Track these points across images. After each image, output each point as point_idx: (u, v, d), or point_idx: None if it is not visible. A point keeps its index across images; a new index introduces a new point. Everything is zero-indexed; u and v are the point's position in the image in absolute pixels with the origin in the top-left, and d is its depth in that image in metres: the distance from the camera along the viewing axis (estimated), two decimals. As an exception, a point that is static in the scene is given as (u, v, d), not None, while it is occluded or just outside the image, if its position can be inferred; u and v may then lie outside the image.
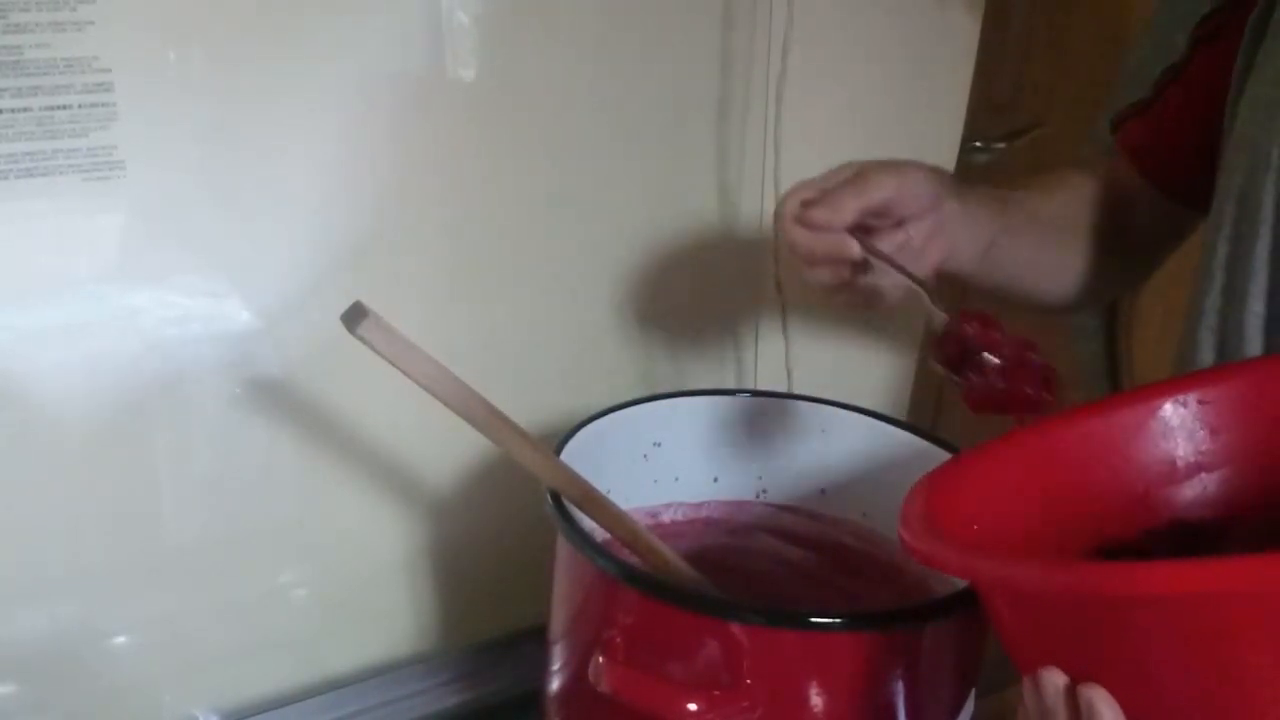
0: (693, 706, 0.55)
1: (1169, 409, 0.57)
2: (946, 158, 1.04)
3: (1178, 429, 0.57)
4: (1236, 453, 0.56)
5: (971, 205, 0.69)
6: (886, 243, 0.63)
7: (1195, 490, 0.57)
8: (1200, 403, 0.57)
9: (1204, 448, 0.57)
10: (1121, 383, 1.38)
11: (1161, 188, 0.75)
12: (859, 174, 0.64)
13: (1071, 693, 0.43)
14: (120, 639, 0.76)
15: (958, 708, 0.63)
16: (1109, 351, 1.39)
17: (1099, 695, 0.42)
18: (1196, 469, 0.57)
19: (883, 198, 0.63)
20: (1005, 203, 0.72)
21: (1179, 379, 0.58)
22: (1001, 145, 1.25)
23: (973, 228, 0.69)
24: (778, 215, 0.65)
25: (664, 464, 0.77)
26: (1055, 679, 0.44)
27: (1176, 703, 0.42)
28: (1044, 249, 0.76)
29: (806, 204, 0.63)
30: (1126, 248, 0.77)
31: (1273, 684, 0.39)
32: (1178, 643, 0.40)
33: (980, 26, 1.01)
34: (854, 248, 0.62)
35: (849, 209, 0.62)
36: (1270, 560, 0.36)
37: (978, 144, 1.21)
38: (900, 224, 0.64)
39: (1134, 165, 0.75)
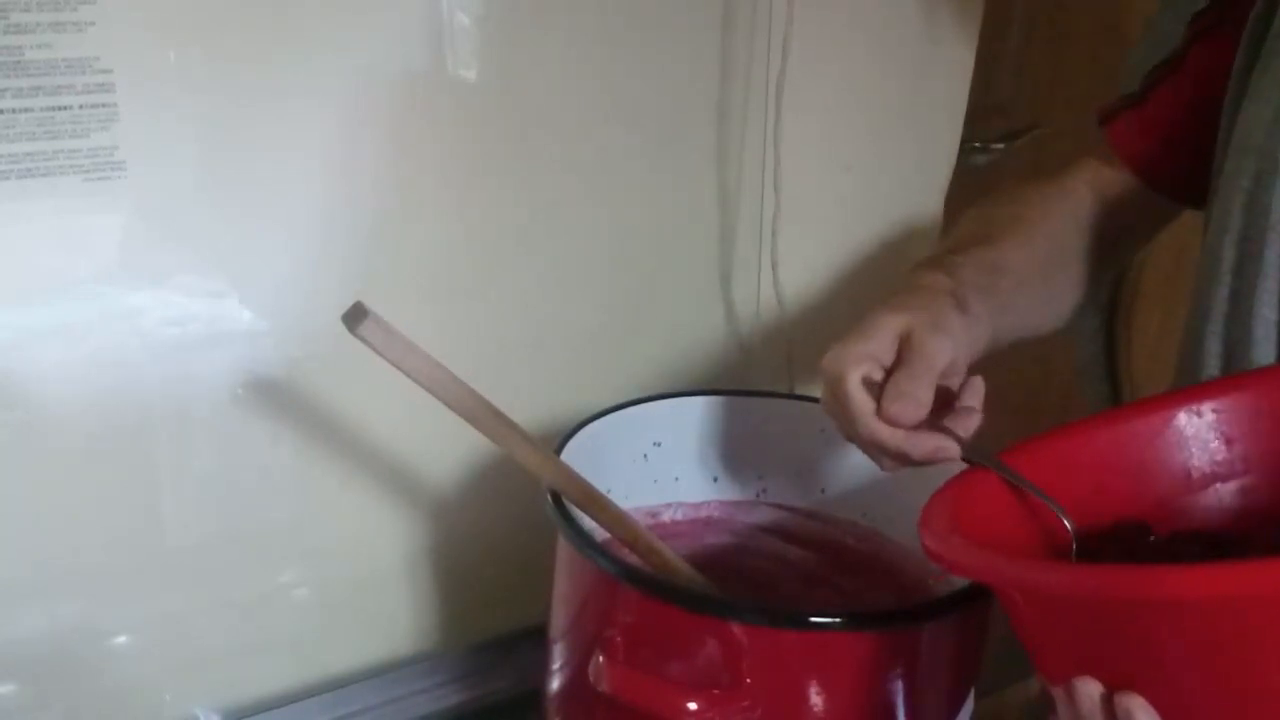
0: (693, 706, 0.55)
1: (1183, 419, 0.57)
2: (946, 158, 1.04)
3: (1192, 439, 0.56)
4: (1252, 462, 0.56)
5: (973, 309, 0.64)
6: (952, 422, 0.59)
7: (1211, 500, 0.56)
8: (1215, 412, 0.56)
9: (1219, 457, 0.56)
10: (1121, 384, 1.38)
11: (1151, 183, 0.74)
12: (915, 348, 0.59)
13: (1109, 701, 0.42)
14: (121, 638, 0.76)
15: (957, 707, 0.63)
16: (1109, 352, 1.39)
17: (1137, 704, 0.41)
18: (1212, 479, 0.56)
19: (944, 364, 0.59)
20: (995, 273, 0.69)
21: (1193, 388, 0.58)
22: (1001, 145, 1.25)
23: (976, 337, 0.64)
24: (839, 395, 0.59)
25: (664, 464, 0.77)
26: (1090, 688, 0.43)
27: (1214, 709, 0.41)
28: (1034, 305, 0.74)
29: (869, 384, 0.59)
30: (1113, 251, 0.77)
31: None
32: (1213, 648, 0.40)
33: (980, 26, 1.01)
34: (955, 452, 0.58)
35: (927, 397, 0.58)
36: None
37: (977, 144, 1.21)
38: (951, 397, 0.61)
39: (1124, 161, 0.74)
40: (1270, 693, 0.40)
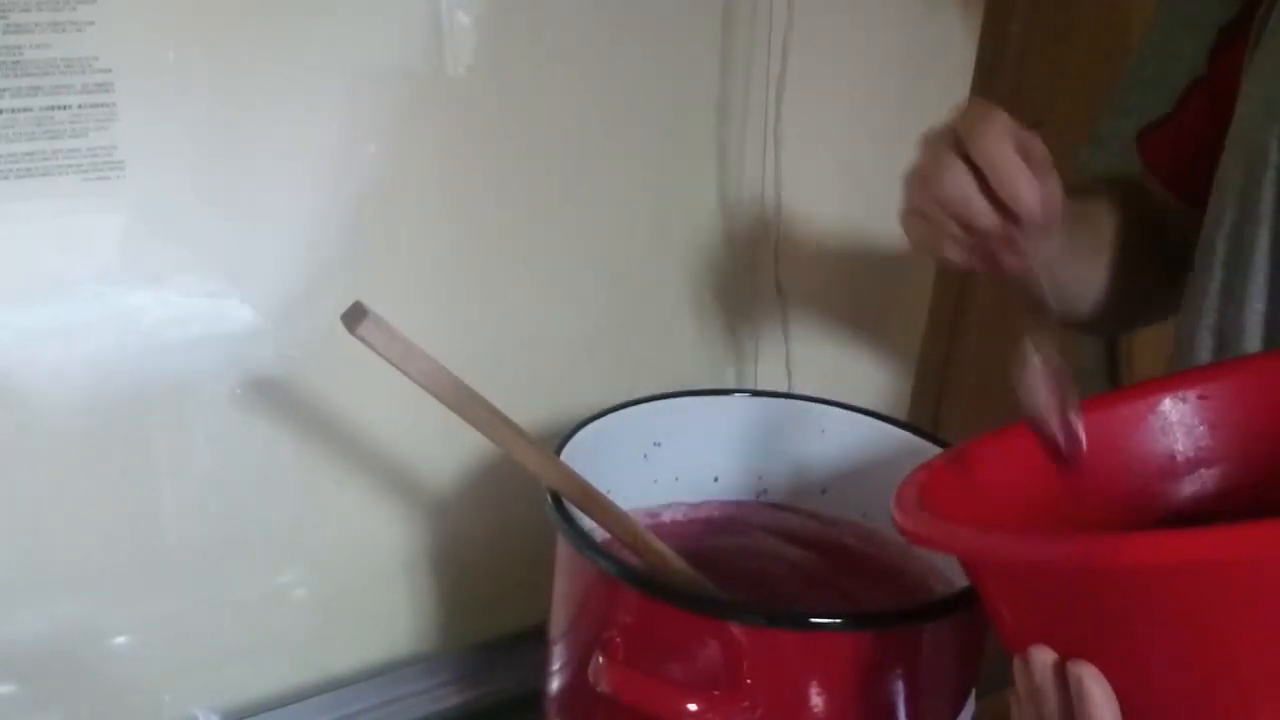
0: (693, 707, 0.55)
1: (1168, 404, 0.57)
2: (946, 158, 1.04)
3: (1177, 424, 0.57)
4: (1236, 448, 0.56)
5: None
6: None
7: (1194, 486, 0.57)
8: (1200, 398, 0.57)
9: (1203, 443, 0.57)
10: (1121, 382, 1.38)
11: (1186, 199, 0.74)
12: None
13: (1060, 670, 0.43)
14: (120, 639, 0.76)
15: (958, 708, 0.63)
16: (1109, 351, 1.39)
17: (1088, 672, 0.42)
18: (1196, 464, 0.57)
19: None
20: (1083, 220, 0.68)
21: (1179, 375, 0.58)
22: (1001, 145, 1.25)
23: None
24: (990, 127, 0.54)
25: (664, 464, 0.77)
26: (1044, 656, 0.44)
27: (1164, 678, 0.41)
28: (1082, 273, 0.72)
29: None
30: (1152, 269, 0.76)
31: (1256, 657, 0.39)
32: (1161, 616, 0.40)
33: (980, 26, 1.01)
34: (1057, 209, 0.56)
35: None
36: (1250, 529, 0.36)
37: (978, 144, 1.21)
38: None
39: (1157, 178, 0.74)
40: (1222, 660, 0.40)
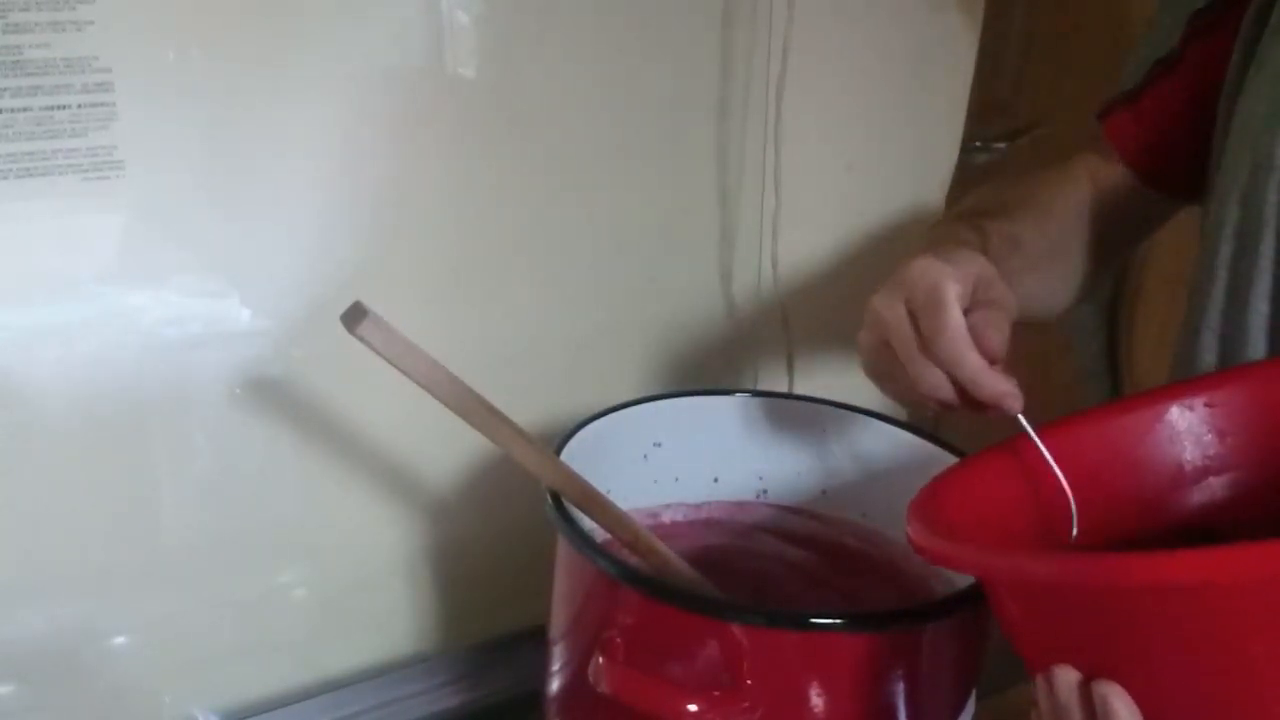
0: (693, 707, 0.55)
1: (1176, 412, 0.57)
2: (946, 158, 1.04)
3: (1185, 433, 0.57)
4: (1244, 456, 0.56)
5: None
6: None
7: (1203, 495, 0.56)
8: (1207, 406, 0.56)
9: (1211, 451, 0.56)
10: (1122, 383, 1.38)
11: (1146, 179, 0.74)
12: (997, 294, 0.57)
13: (1085, 689, 0.43)
14: (120, 639, 0.76)
15: (958, 708, 0.63)
16: (1109, 351, 1.39)
17: (1113, 691, 0.42)
18: (1204, 473, 0.57)
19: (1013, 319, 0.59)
20: (1011, 248, 0.68)
21: (1186, 382, 0.58)
22: (1001, 145, 1.25)
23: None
24: (932, 304, 0.55)
25: (664, 464, 0.77)
26: (1068, 676, 0.43)
27: (1189, 697, 0.41)
28: (1035, 288, 0.73)
29: None
30: (1111, 245, 0.77)
31: (1276, 673, 0.39)
32: (1188, 635, 0.40)
33: (980, 26, 1.01)
34: (1018, 405, 0.55)
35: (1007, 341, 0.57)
36: (1272, 547, 0.36)
37: (978, 144, 1.21)
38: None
39: (1121, 156, 0.75)
40: (1242, 677, 0.40)
